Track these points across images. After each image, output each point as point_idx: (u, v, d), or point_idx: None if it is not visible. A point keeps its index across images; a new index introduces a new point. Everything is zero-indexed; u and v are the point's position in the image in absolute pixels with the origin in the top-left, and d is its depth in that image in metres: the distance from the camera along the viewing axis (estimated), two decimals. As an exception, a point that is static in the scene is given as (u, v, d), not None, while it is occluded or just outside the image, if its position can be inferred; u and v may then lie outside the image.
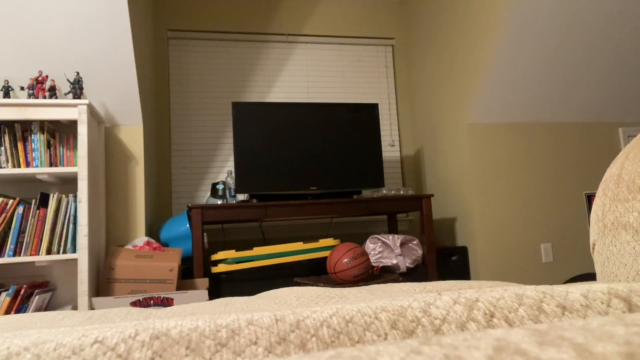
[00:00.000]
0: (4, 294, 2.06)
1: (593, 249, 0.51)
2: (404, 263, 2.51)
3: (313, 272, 2.42)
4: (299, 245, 2.47)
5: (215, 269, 2.37)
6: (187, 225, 2.53)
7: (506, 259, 2.77)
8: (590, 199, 2.97)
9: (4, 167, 2.18)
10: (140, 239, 2.43)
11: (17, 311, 2.08)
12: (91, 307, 2.12)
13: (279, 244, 3.12)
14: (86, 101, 2.21)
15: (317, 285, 2.11)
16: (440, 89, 3.18)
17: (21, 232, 2.13)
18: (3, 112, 2.14)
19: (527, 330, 0.15)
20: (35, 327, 0.35)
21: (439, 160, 3.21)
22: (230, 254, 2.38)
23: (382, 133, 3.12)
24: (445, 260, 2.75)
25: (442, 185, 3.15)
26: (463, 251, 2.81)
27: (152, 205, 2.80)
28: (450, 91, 3.05)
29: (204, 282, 2.26)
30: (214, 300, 0.49)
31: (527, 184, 2.89)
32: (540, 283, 2.80)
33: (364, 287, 0.46)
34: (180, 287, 2.21)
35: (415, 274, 2.52)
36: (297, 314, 0.18)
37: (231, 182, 2.79)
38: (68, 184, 2.32)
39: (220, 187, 2.69)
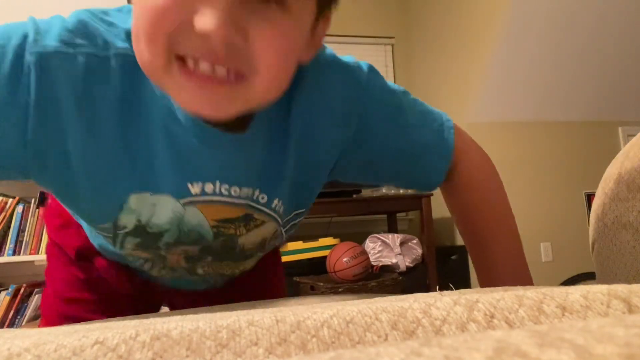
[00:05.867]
0: (3, 293, 2.06)
1: (593, 248, 0.51)
2: (404, 262, 2.51)
3: (313, 272, 2.42)
4: (298, 245, 2.47)
5: (215, 268, 2.36)
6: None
7: (506, 258, 2.77)
8: (589, 198, 2.97)
9: (4, 166, 2.17)
10: (140, 237, 2.43)
11: (17, 310, 2.08)
12: (91, 306, 2.13)
13: (278, 242, 3.12)
14: (86, 100, 2.20)
15: (317, 285, 2.11)
16: (440, 87, 3.18)
17: (21, 231, 2.13)
18: (3, 111, 2.14)
19: (527, 332, 0.15)
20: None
21: (439, 159, 3.21)
22: (230, 252, 2.38)
23: (382, 132, 3.11)
24: (444, 260, 2.76)
25: (442, 185, 3.15)
26: (463, 250, 2.81)
27: (152, 204, 2.81)
28: (450, 90, 3.05)
29: (204, 281, 2.26)
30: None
31: (527, 182, 2.88)
32: (539, 282, 2.79)
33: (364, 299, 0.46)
34: (180, 286, 2.21)
35: (414, 273, 2.52)
36: (298, 315, 0.18)
37: (231, 181, 2.79)
38: (68, 182, 2.32)
39: (220, 186, 2.69)
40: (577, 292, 0.21)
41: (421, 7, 3.40)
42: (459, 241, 2.95)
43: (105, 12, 0.44)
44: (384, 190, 2.90)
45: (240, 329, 0.18)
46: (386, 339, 0.18)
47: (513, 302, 0.20)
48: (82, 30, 0.42)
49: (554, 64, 2.70)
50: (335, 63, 0.55)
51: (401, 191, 2.90)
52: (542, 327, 0.16)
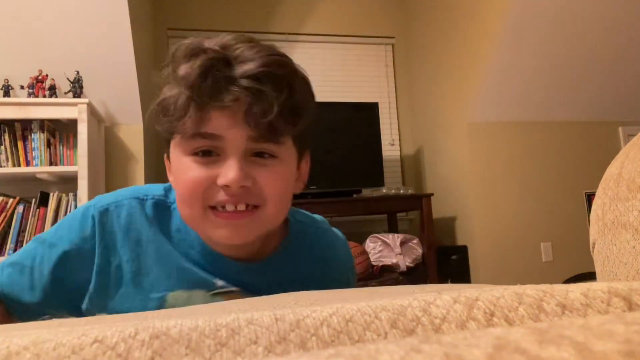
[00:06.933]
0: (4, 293, 2.06)
1: (593, 248, 0.51)
2: (404, 262, 2.51)
3: (313, 271, 2.42)
4: (299, 244, 2.47)
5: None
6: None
7: (506, 258, 2.77)
8: (590, 198, 2.97)
9: (4, 166, 2.17)
10: (140, 238, 2.43)
11: (17, 310, 2.08)
12: (91, 306, 2.13)
13: (279, 243, 3.11)
14: (86, 100, 2.20)
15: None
16: (440, 87, 3.18)
17: (21, 231, 2.13)
18: (3, 111, 2.14)
19: (527, 329, 0.15)
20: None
21: (439, 159, 3.21)
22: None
23: (382, 132, 3.11)
24: (445, 260, 2.75)
25: (442, 184, 3.15)
26: (463, 250, 2.81)
27: (152, 204, 2.81)
28: (450, 90, 3.05)
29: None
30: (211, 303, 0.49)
31: (527, 183, 2.88)
32: (540, 282, 2.79)
33: (362, 289, 0.46)
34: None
35: (415, 273, 2.52)
36: (297, 313, 0.18)
37: (231, 181, 2.79)
38: (68, 183, 2.32)
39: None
40: (577, 290, 0.21)
41: (421, 7, 3.40)
42: (460, 241, 2.95)
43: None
44: (384, 191, 2.90)
45: (240, 327, 0.18)
46: (386, 338, 0.18)
47: (513, 300, 0.20)
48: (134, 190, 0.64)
49: (554, 64, 2.70)
50: (321, 229, 0.71)
51: (401, 191, 2.90)
52: (542, 324, 0.16)
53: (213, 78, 0.50)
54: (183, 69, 0.51)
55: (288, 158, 0.56)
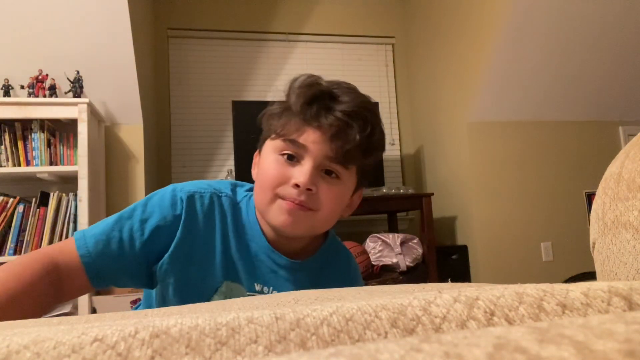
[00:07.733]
0: (4, 293, 2.06)
1: (593, 247, 0.51)
2: (404, 262, 2.51)
3: (313, 271, 2.42)
4: (299, 244, 2.47)
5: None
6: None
7: (506, 258, 2.77)
8: (590, 197, 2.97)
9: (4, 166, 2.17)
10: (141, 237, 2.42)
11: (18, 310, 2.08)
12: (91, 306, 2.13)
13: (279, 242, 3.11)
14: (86, 100, 2.20)
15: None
16: (440, 87, 3.18)
17: (21, 230, 2.13)
18: (3, 111, 2.14)
19: (527, 328, 0.15)
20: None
21: (439, 158, 3.21)
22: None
23: (382, 132, 3.11)
24: (445, 259, 2.75)
25: (442, 184, 3.15)
26: (463, 250, 2.80)
27: (152, 204, 2.80)
28: (450, 90, 3.04)
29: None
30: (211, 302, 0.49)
31: (527, 182, 2.88)
32: (540, 282, 2.79)
33: (362, 287, 0.47)
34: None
35: (415, 273, 2.52)
36: (297, 312, 0.18)
37: (231, 181, 2.79)
38: (68, 182, 2.32)
39: (220, 186, 2.68)
40: (577, 289, 0.21)
41: (421, 7, 3.40)
42: (460, 241, 2.95)
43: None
44: (384, 190, 2.89)
45: (240, 326, 0.18)
46: (386, 337, 0.18)
47: (513, 299, 0.20)
48: (210, 185, 0.76)
49: (554, 64, 2.70)
50: (345, 249, 0.86)
51: (401, 191, 2.90)
52: (542, 323, 0.16)
53: (318, 105, 0.66)
54: (299, 92, 0.67)
55: (348, 183, 0.70)
